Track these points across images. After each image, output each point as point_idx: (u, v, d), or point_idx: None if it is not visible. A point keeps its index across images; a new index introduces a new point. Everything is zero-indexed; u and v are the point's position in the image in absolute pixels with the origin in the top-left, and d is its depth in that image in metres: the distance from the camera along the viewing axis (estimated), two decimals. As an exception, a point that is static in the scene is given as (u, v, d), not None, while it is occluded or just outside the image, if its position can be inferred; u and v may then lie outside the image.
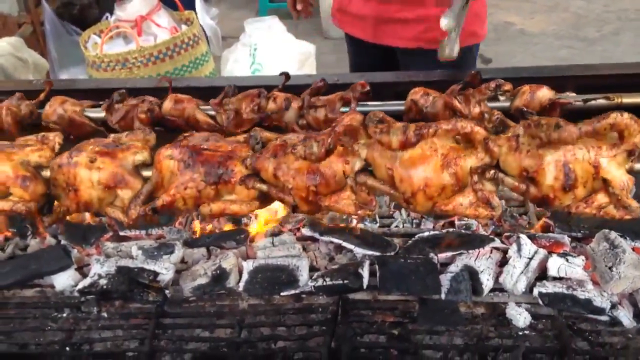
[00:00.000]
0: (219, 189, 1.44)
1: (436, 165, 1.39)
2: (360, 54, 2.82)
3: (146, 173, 1.55)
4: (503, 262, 1.78)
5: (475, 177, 1.38)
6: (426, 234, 1.93)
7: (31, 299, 1.81)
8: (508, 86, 1.79)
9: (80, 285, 1.77)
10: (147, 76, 3.90)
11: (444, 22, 1.83)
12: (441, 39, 1.90)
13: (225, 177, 1.45)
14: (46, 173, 1.56)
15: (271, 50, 4.64)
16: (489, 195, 1.38)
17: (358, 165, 1.45)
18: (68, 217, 1.61)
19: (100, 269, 1.80)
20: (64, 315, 1.75)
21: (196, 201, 1.42)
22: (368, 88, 1.76)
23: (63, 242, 2.00)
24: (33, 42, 4.69)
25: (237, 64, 4.72)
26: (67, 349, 1.65)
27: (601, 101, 1.68)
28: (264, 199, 1.47)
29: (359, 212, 1.40)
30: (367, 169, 1.45)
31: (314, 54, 4.94)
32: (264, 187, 1.43)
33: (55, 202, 1.55)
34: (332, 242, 1.93)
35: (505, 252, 1.80)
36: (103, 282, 1.76)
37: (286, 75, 1.93)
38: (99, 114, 1.87)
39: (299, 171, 1.43)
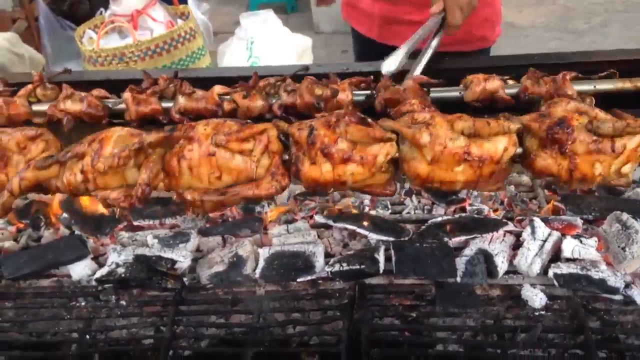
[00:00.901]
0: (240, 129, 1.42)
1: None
2: (365, 51, 2.77)
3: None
4: (516, 245, 1.80)
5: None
6: (439, 219, 1.95)
7: (46, 289, 1.81)
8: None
9: (98, 274, 1.77)
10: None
11: (384, 68, 1.77)
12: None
13: (251, 126, 1.42)
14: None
15: (268, 43, 4.63)
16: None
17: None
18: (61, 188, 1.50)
19: (117, 257, 1.81)
20: (82, 304, 1.76)
21: (216, 128, 1.39)
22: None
23: (77, 232, 2.00)
24: (27, 37, 4.64)
25: (233, 58, 4.71)
26: (87, 337, 1.66)
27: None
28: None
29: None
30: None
31: (310, 47, 4.95)
32: (285, 124, 1.41)
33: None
34: (346, 229, 1.95)
35: (518, 235, 1.83)
36: (121, 270, 1.76)
37: (305, 67, 1.94)
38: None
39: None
